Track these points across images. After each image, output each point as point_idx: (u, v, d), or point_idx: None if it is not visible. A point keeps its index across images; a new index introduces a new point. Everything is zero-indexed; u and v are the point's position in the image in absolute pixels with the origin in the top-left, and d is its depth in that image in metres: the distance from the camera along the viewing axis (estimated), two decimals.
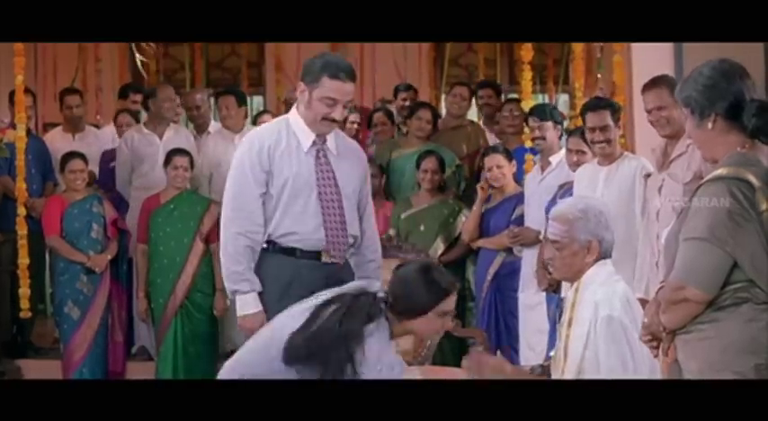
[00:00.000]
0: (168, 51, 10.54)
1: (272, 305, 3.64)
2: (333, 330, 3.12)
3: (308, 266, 3.78)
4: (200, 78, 10.51)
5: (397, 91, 7.78)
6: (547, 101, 9.83)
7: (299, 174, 3.81)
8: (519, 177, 5.86)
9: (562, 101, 9.97)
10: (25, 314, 6.41)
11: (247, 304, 3.80)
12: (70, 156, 6.29)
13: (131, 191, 6.68)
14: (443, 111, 8.07)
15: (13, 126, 6.54)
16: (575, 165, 5.15)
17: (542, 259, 4.76)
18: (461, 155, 6.59)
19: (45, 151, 6.91)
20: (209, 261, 5.93)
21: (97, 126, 7.90)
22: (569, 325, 3.17)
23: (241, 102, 6.67)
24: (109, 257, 6.18)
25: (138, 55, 6.71)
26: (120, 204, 6.60)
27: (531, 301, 5.42)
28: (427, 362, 4.81)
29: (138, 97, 7.47)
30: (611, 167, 4.83)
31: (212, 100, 7.59)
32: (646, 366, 3.02)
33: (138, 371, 6.25)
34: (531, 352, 5.27)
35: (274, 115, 6.45)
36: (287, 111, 4.20)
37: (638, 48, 5.79)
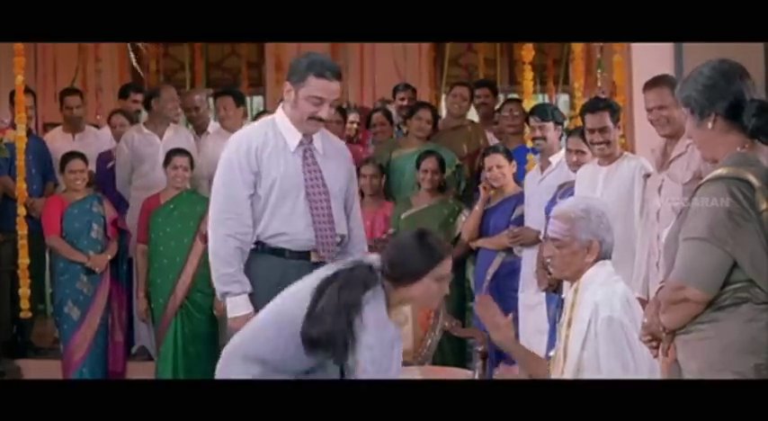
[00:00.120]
0: (168, 51, 10.55)
1: (262, 306, 3.63)
2: (333, 304, 3.16)
3: (297, 266, 3.76)
4: (200, 78, 10.51)
5: (395, 91, 7.78)
6: (547, 101, 9.83)
7: (287, 175, 3.81)
8: (519, 177, 5.86)
9: (562, 101, 9.97)
10: (25, 314, 6.41)
11: (238, 306, 3.80)
12: (70, 156, 6.29)
13: (131, 191, 6.68)
14: (443, 112, 8.07)
15: (13, 126, 6.54)
16: (574, 166, 5.15)
17: (542, 259, 4.77)
18: (462, 155, 6.59)
19: (45, 151, 6.91)
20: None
21: (97, 126, 7.89)
22: (569, 325, 3.17)
23: (239, 102, 6.67)
24: (109, 257, 6.18)
25: (133, 57, 6.72)
26: (120, 204, 6.60)
27: (530, 301, 5.42)
28: (427, 363, 4.80)
29: (139, 97, 7.47)
30: (610, 167, 4.83)
31: (211, 100, 7.58)
32: (646, 367, 3.02)
33: (138, 371, 6.25)
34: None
35: None
36: None
37: (638, 48, 5.79)
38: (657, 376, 2.93)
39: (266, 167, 3.81)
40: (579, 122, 5.24)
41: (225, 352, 3.39)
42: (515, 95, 8.07)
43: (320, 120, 3.83)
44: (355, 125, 7.54)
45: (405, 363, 4.66)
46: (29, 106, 6.68)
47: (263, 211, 3.82)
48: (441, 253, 3.30)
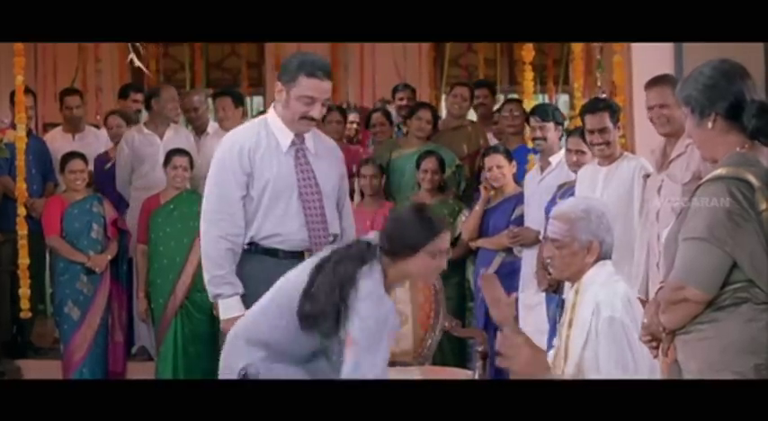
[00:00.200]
0: (168, 51, 10.55)
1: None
2: (328, 280, 3.20)
3: (291, 267, 3.75)
4: (200, 78, 10.51)
5: (394, 91, 7.79)
6: (547, 101, 9.83)
7: (280, 176, 3.81)
8: (519, 177, 5.86)
9: (562, 101, 9.98)
10: (25, 314, 6.41)
11: (231, 308, 3.79)
12: (70, 156, 6.30)
13: (132, 191, 6.68)
14: (443, 112, 8.07)
15: (13, 126, 6.54)
16: (574, 166, 5.16)
17: (542, 259, 4.77)
18: (462, 155, 6.59)
19: (45, 151, 6.92)
20: None
21: (97, 126, 7.89)
22: (569, 326, 3.17)
23: (238, 102, 6.66)
24: (109, 257, 6.18)
25: (135, 57, 6.68)
26: (119, 205, 6.60)
27: (530, 301, 5.42)
28: (427, 363, 4.81)
29: (140, 97, 7.47)
30: (610, 168, 4.83)
31: (211, 101, 7.58)
32: (646, 367, 3.01)
33: (138, 371, 6.26)
34: None
35: None
36: None
37: (638, 48, 5.79)
38: (657, 376, 2.93)
39: (259, 168, 3.80)
40: (579, 122, 5.24)
41: (229, 336, 3.42)
42: (515, 95, 8.08)
43: (312, 119, 3.83)
44: (354, 125, 7.53)
45: (405, 363, 4.69)
46: (29, 106, 6.68)
47: (255, 212, 3.81)
48: (438, 226, 3.31)
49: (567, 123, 6.09)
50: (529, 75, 6.42)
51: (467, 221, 5.87)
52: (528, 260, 5.49)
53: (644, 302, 3.42)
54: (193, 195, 6.18)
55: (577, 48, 6.53)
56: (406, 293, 4.69)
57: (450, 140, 6.65)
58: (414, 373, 4.59)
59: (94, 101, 9.52)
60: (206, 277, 3.86)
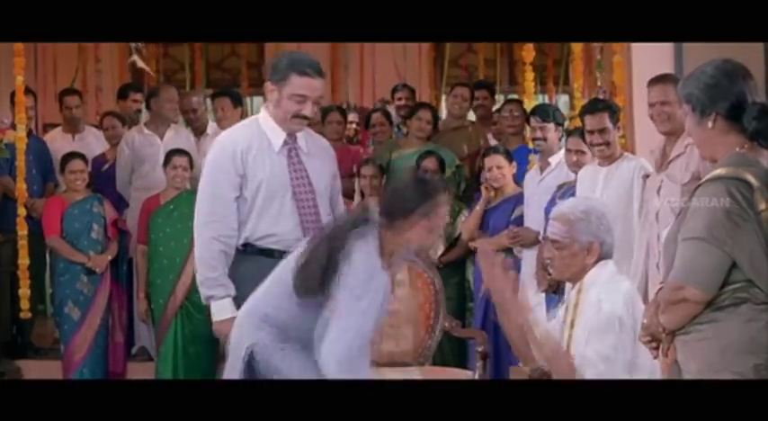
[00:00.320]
0: (168, 51, 10.54)
1: None
2: (323, 249, 3.21)
3: None
4: (199, 79, 10.51)
5: (393, 91, 7.79)
6: (547, 101, 9.84)
7: (273, 176, 3.81)
8: (519, 178, 5.86)
9: (562, 102, 9.97)
10: (25, 315, 6.41)
11: (223, 309, 3.79)
12: (70, 156, 6.29)
13: (132, 191, 6.68)
14: (443, 112, 8.07)
15: (13, 126, 6.54)
16: (574, 166, 5.16)
17: (542, 260, 4.77)
18: (462, 155, 6.59)
19: (46, 152, 6.91)
20: None
21: (97, 126, 7.88)
22: (571, 326, 3.17)
23: (237, 103, 6.65)
24: (109, 258, 6.18)
25: (137, 58, 6.69)
26: (118, 205, 6.59)
27: (530, 302, 5.41)
28: (427, 363, 4.81)
29: (139, 96, 7.46)
30: (610, 168, 4.83)
31: (210, 101, 7.58)
32: (625, 363, 3.02)
33: (139, 371, 6.25)
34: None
35: None
36: None
37: (638, 48, 5.79)
38: (636, 375, 2.95)
39: (252, 169, 3.79)
40: (579, 123, 5.24)
41: (239, 314, 3.42)
42: (515, 96, 8.08)
43: (304, 118, 3.83)
44: (354, 125, 7.53)
45: (405, 364, 4.69)
46: (29, 107, 6.68)
47: (249, 213, 3.81)
48: (434, 191, 3.29)
49: (566, 124, 6.09)
50: (529, 75, 6.42)
51: (467, 221, 5.86)
52: (528, 260, 5.48)
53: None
54: (193, 196, 6.11)
55: (577, 48, 6.53)
56: (407, 293, 4.69)
57: (450, 141, 6.65)
58: (414, 373, 4.59)
59: (94, 101, 9.51)
60: (198, 279, 3.86)
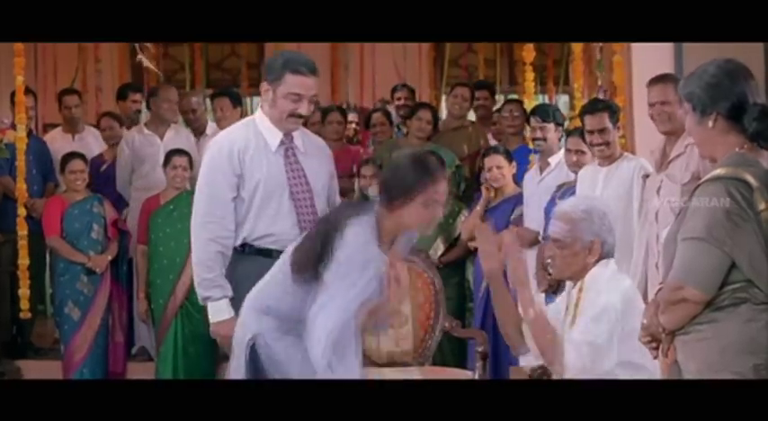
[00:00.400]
0: (168, 52, 10.54)
1: None
2: (318, 227, 3.25)
3: None
4: (199, 79, 10.51)
5: (393, 91, 7.79)
6: (547, 101, 9.84)
7: (270, 176, 3.81)
8: (519, 178, 5.86)
9: (562, 102, 9.97)
10: (25, 315, 6.41)
11: (221, 311, 3.79)
12: (70, 156, 6.29)
13: (132, 191, 6.68)
14: (443, 112, 8.06)
15: (13, 126, 6.54)
16: (574, 166, 5.16)
17: (542, 260, 4.77)
18: (462, 155, 6.59)
19: (46, 152, 6.91)
20: None
21: (96, 127, 7.89)
22: (572, 323, 3.17)
23: (236, 103, 6.64)
24: (109, 258, 6.18)
25: (144, 57, 6.64)
26: (118, 205, 6.59)
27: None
28: (427, 363, 4.81)
29: (138, 97, 7.46)
30: (610, 168, 4.84)
31: (209, 101, 7.58)
32: (613, 356, 3.02)
33: (139, 371, 6.25)
34: (530, 352, 5.26)
35: None
36: None
37: (638, 48, 5.79)
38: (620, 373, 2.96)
39: (249, 169, 3.80)
40: (579, 123, 5.24)
41: (243, 306, 3.43)
42: (515, 96, 8.08)
43: (300, 116, 3.83)
44: (353, 125, 7.53)
45: (405, 364, 4.69)
46: (29, 107, 6.67)
47: (247, 213, 3.81)
48: (433, 171, 3.28)
49: (566, 124, 6.10)
50: (529, 75, 6.42)
51: (466, 221, 5.86)
52: (527, 260, 5.48)
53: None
54: (193, 196, 6.18)
55: (577, 48, 6.53)
56: (406, 293, 4.69)
57: (450, 141, 6.65)
58: (414, 374, 4.59)
59: (94, 101, 9.52)
60: (195, 280, 3.86)
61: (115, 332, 6.30)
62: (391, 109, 7.61)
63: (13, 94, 6.67)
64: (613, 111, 4.89)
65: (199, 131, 6.91)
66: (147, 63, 6.51)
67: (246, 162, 3.80)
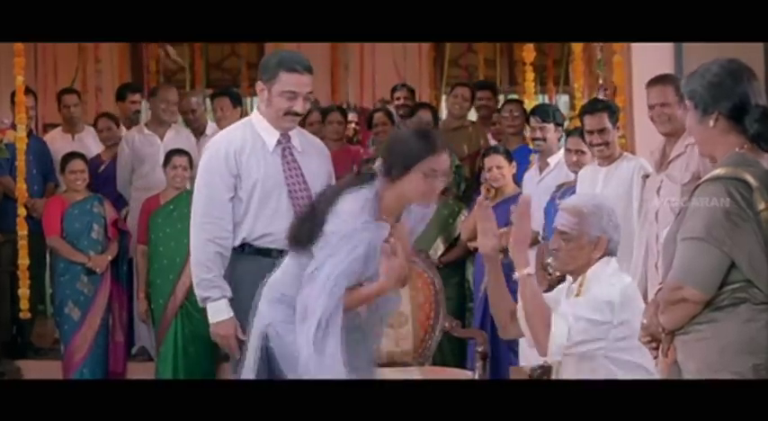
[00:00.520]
0: (168, 52, 10.54)
1: (249, 307, 3.62)
2: (315, 200, 3.29)
3: None
4: (199, 79, 10.51)
5: (393, 91, 7.80)
6: (547, 101, 9.84)
7: (268, 175, 3.81)
8: (519, 178, 5.86)
9: (562, 102, 9.98)
10: (24, 315, 6.41)
11: (220, 311, 3.78)
12: (70, 156, 6.30)
13: (132, 191, 6.68)
14: (443, 112, 8.06)
15: (13, 126, 6.54)
16: (574, 166, 5.16)
17: (542, 260, 4.77)
18: (462, 155, 6.59)
19: (46, 152, 6.91)
20: None
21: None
22: None
23: (236, 103, 6.65)
24: (109, 258, 6.18)
25: (171, 50, 6.61)
26: (117, 205, 6.59)
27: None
28: (427, 363, 4.81)
29: (137, 97, 7.46)
30: (610, 168, 4.84)
31: (209, 102, 7.58)
32: (602, 342, 3.02)
33: (139, 371, 6.25)
34: (530, 351, 5.26)
35: None
36: None
37: (638, 48, 5.79)
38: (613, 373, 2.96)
39: (246, 169, 3.80)
40: (579, 123, 5.24)
41: (258, 295, 3.44)
42: (515, 96, 8.08)
43: (296, 114, 3.83)
44: (353, 125, 7.53)
45: (405, 364, 4.69)
46: (29, 107, 6.68)
47: (245, 214, 3.81)
48: (434, 143, 3.27)
49: (566, 124, 6.10)
50: (529, 75, 6.42)
51: (466, 221, 5.86)
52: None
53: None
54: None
55: (577, 48, 6.54)
56: (407, 293, 4.69)
57: (450, 141, 6.55)
58: (414, 373, 4.59)
59: (94, 101, 9.52)
60: (194, 281, 3.86)
61: (115, 332, 6.31)
62: (391, 109, 7.61)
63: (13, 94, 6.67)
64: (613, 112, 4.89)
65: (199, 131, 6.91)
66: (173, 56, 6.50)
67: (243, 162, 3.80)
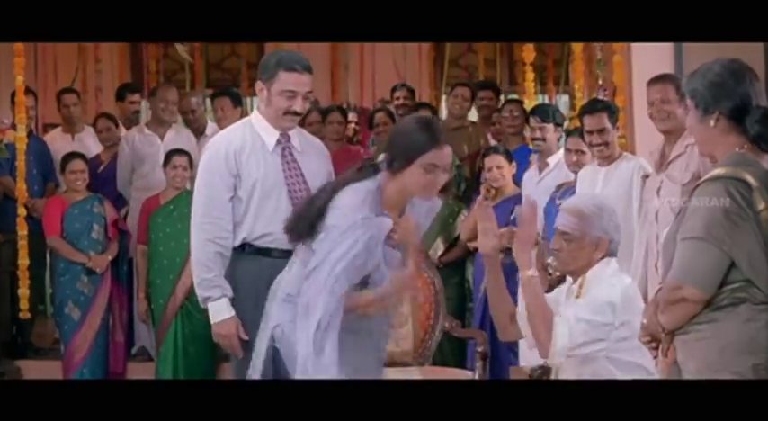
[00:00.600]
0: (168, 52, 10.54)
1: (250, 307, 3.62)
2: (317, 192, 3.30)
3: (285, 265, 3.76)
4: (200, 79, 10.51)
5: (392, 90, 7.80)
6: (547, 101, 9.84)
7: (268, 175, 3.81)
8: (519, 178, 5.86)
9: (562, 102, 9.98)
10: (24, 315, 6.41)
11: (221, 310, 3.78)
12: (70, 156, 6.30)
13: (132, 191, 6.68)
14: (443, 112, 8.06)
15: (13, 126, 6.54)
16: (574, 166, 5.16)
17: (542, 261, 4.77)
18: (462, 155, 6.59)
19: (46, 152, 6.91)
20: None
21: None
22: None
23: (236, 103, 6.64)
24: (109, 258, 6.18)
25: (180, 49, 6.60)
26: (117, 205, 6.59)
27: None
28: (427, 363, 4.81)
29: (137, 97, 7.46)
30: (609, 168, 4.84)
31: (209, 102, 7.58)
32: (604, 343, 3.02)
33: (139, 371, 6.25)
34: (530, 352, 5.26)
35: None
36: None
37: (638, 48, 5.80)
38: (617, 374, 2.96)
39: (246, 169, 3.80)
40: (579, 123, 5.25)
41: (270, 293, 3.45)
42: (515, 96, 8.08)
43: (295, 113, 3.83)
44: (353, 125, 7.52)
45: (405, 364, 4.69)
46: (29, 107, 6.68)
47: (245, 214, 3.81)
48: (437, 135, 3.26)
49: (566, 124, 6.10)
50: (529, 75, 6.42)
51: (466, 222, 5.86)
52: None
53: None
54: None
55: (577, 48, 6.54)
56: (406, 293, 4.69)
57: (450, 141, 6.60)
58: (414, 373, 4.59)
59: (94, 101, 9.52)
60: (195, 280, 3.86)
61: (115, 332, 6.31)
62: (391, 108, 7.61)
63: (13, 94, 6.67)
64: (612, 112, 4.89)
65: (198, 131, 6.91)
66: (184, 54, 6.49)
67: (243, 162, 3.80)
